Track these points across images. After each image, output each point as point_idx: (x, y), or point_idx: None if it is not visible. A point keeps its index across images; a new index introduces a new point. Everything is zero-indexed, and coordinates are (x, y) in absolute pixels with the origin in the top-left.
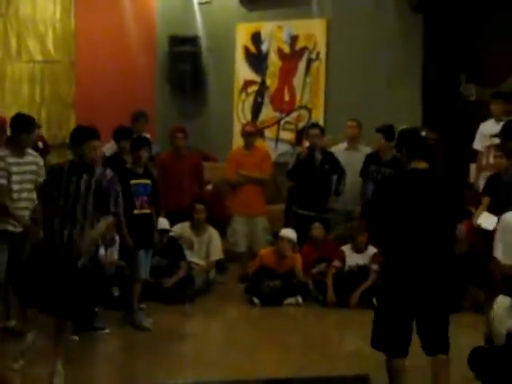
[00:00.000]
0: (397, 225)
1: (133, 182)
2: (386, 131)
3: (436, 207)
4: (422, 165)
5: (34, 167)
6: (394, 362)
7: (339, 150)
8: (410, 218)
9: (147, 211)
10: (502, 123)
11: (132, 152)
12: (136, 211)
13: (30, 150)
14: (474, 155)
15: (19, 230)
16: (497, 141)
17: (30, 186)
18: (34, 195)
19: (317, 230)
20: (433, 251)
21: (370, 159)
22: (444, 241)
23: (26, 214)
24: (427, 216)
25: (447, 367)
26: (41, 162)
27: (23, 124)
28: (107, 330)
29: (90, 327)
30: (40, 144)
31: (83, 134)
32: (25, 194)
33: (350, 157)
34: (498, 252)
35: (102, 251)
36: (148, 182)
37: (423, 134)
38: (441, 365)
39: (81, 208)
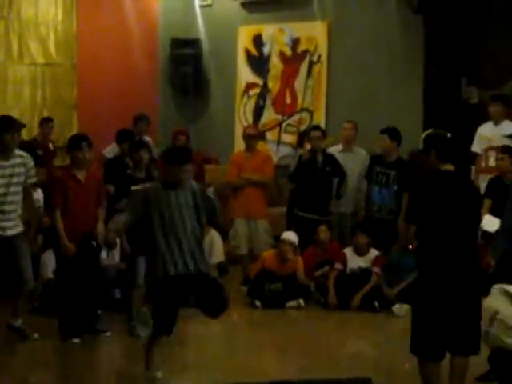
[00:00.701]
0: (438, 226)
1: (133, 187)
2: (391, 132)
3: (469, 207)
4: (451, 167)
5: (22, 169)
6: (430, 367)
7: (334, 151)
8: (448, 219)
9: None
10: (500, 125)
11: (131, 155)
12: None
13: (19, 152)
14: (474, 158)
15: (8, 233)
16: (496, 143)
17: (16, 189)
18: (20, 197)
19: (323, 232)
20: (466, 249)
21: (374, 161)
22: (473, 238)
23: (13, 216)
24: (462, 216)
25: (467, 370)
26: (31, 163)
27: (5, 124)
28: (109, 333)
29: (92, 329)
30: (50, 145)
31: (175, 158)
32: (10, 198)
33: (344, 159)
34: None
35: (103, 254)
36: None
37: (449, 136)
38: (462, 366)
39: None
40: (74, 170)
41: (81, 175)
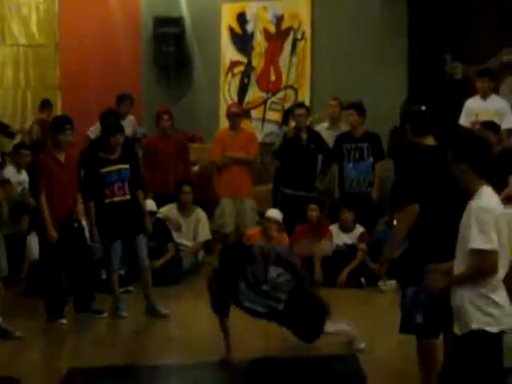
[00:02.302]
0: (437, 202)
1: (102, 170)
2: (359, 107)
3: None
4: (431, 140)
5: None
6: (429, 343)
7: (321, 128)
8: (442, 194)
9: (123, 198)
10: (487, 100)
11: (107, 137)
12: (107, 200)
13: None
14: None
15: None
16: (483, 117)
17: None
18: None
19: (312, 211)
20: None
21: (342, 139)
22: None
23: None
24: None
25: None
26: None
27: None
28: (105, 314)
29: (87, 309)
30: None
31: None
32: None
33: (331, 135)
34: None
35: (88, 234)
36: (124, 166)
37: (424, 108)
38: None
39: None
40: (54, 151)
41: (61, 156)
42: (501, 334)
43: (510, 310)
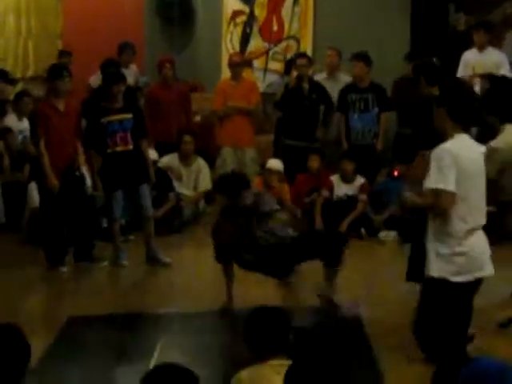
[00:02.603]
0: None
1: (104, 119)
2: (366, 57)
3: None
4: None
5: None
6: None
7: (319, 78)
8: None
9: (125, 148)
10: (484, 52)
11: (109, 86)
12: (109, 150)
13: None
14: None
15: None
16: (480, 70)
17: None
18: None
19: (313, 161)
20: None
21: (347, 90)
22: None
23: None
24: None
25: None
26: None
27: None
28: (105, 263)
29: (87, 258)
30: None
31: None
32: None
33: (329, 85)
34: None
35: (89, 183)
36: (127, 116)
37: (436, 60)
38: None
39: None
40: (53, 99)
41: (60, 104)
42: (471, 283)
43: (482, 259)
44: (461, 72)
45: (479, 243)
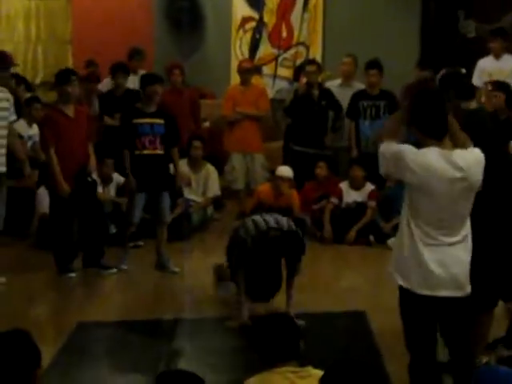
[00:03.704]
0: None
1: (136, 121)
2: (379, 65)
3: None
4: (474, 104)
5: (5, 104)
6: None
7: (333, 85)
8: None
9: (154, 152)
10: (501, 59)
11: (144, 88)
12: (137, 152)
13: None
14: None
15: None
16: (496, 77)
17: (2, 123)
18: (6, 132)
19: (320, 168)
20: None
21: (359, 97)
22: None
23: (2, 152)
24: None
25: None
26: (11, 98)
27: None
28: (114, 270)
29: (96, 264)
30: None
31: None
32: None
33: (343, 93)
34: None
35: (99, 189)
36: (159, 121)
37: (464, 71)
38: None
39: None
40: (61, 105)
41: (69, 110)
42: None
43: (424, 274)
44: (476, 80)
45: (427, 256)
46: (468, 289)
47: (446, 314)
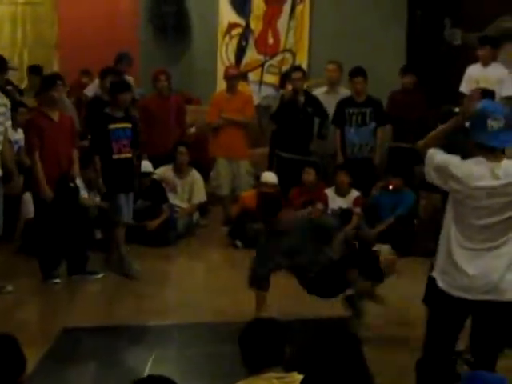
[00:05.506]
0: None
1: (111, 126)
2: (364, 72)
3: None
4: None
5: (2, 109)
6: None
7: (319, 92)
8: None
9: (127, 155)
10: (488, 67)
11: (112, 96)
12: (115, 156)
13: None
14: (457, 99)
15: None
16: (484, 85)
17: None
18: (1, 138)
19: (308, 174)
20: None
21: (345, 104)
22: None
23: None
24: None
25: None
26: (9, 104)
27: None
28: (100, 275)
29: (82, 271)
30: None
31: None
32: None
33: (329, 100)
34: None
35: (85, 194)
36: (128, 125)
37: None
38: None
39: None
40: (46, 109)
41: (54, 115)
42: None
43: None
44: (464, 87)
45: (453, 261)
46: (507, 295)
47: (480, 318)
